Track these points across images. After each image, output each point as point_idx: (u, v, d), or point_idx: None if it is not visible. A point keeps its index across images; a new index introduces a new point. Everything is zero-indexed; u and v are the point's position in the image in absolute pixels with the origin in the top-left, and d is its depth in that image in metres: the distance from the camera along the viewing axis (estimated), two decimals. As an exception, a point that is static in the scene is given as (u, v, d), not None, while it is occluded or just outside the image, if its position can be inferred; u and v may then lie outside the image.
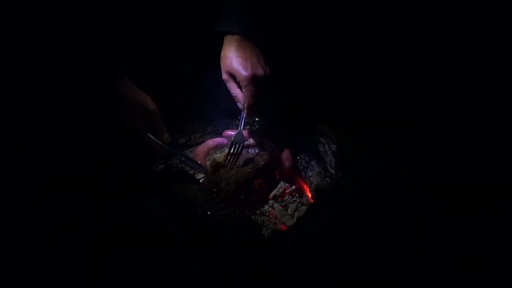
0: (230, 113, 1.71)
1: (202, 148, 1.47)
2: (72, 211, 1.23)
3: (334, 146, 1.50)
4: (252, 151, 1.47)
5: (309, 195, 1.40)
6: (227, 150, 1.36)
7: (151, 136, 1.23)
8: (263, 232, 1.25)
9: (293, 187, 1.45)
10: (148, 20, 1.52)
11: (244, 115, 1.33)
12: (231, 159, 1.34)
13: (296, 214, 1.35)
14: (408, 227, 1.28)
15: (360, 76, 1.75)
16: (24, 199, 1.25)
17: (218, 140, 1.53)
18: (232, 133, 1.57)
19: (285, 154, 1.44)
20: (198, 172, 1.42)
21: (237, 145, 1.34)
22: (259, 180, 1.43)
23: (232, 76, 1.30)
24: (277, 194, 1.43)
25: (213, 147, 1.51)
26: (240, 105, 1.33)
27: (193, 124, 1.70)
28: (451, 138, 1.55)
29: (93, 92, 1.14)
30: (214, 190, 1.30)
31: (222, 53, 1.32)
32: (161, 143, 1.24)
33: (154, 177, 1.37)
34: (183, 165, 1.38)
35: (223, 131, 1.61)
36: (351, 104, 1.74)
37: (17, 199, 1.25)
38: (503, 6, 1.45)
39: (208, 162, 1.41)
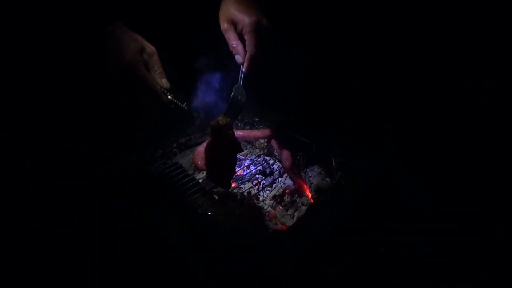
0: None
1: (202, 148, 1.47)
2: (72, 211, 1.23)
3: (334, 146, 1.50)
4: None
5: (309, 195, 1.40)
6: (228, 106, 1.24)
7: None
8: (263, 232, 1.25)
9: (293, 187, 1.45)
10: None
11: (243, 69, 1.22)
12: (231, 114, 1.24)
13: (296, 214, 1.35)
14: (408, 227, 1.28)
15: (360, 76, 1.75)
16: (24, 199, 1.25)
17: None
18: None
19: (285, 154, 1.44)
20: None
21: (238, 98, 1.23)
22: (260, 180, 1.43)
23: (233, 24, 1.21)
24: (277, 194, 1.43)
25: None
26: (239, 58, 1.22)
27: (193, 124, 1.70)
28: (450, 138, 1.55)
29: (87, 32, 1.06)
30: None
31: (223, 3, 1.24)
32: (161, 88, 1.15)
33: (154, 177, 1.37)
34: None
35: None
36: (351, 104, 1.74)
37: (17, 199, 1.25)
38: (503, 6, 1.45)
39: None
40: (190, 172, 1.44)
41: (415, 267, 1.19)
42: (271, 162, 1.53)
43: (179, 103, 1.17)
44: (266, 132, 1.58)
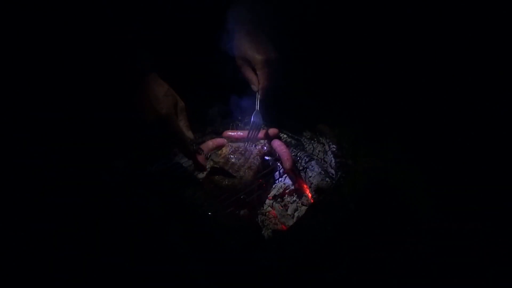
0: (230, 113, 1.71)
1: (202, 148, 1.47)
2: (72, 211, 1.23)
3: (334, 146, 1.50)
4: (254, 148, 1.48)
5: (309, 195, 1.40)
6: (249, 129, 1.50)
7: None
8: (263, 232, 1.25)
9: (293, 187, 1.45)
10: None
11: (259, 96, 1.45)
12: (252, 136, 1.49)
13: (296, 214, 1.36)
14: (408, 227, 1.28)
15: (360, 76, 1.75)
16: (24, 199, 1.25)
17: (218, 140, 1.53)
18: (232, 133, 1.58)
19: (285, 154, 1.44)
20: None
21: (256, 123, 1.48)
22: (259, 180, 1.43)
23: (247, 61, 1.40)
24: (277, 194, 1.43)
25: (213, 147, 1.51)
26: (254, 88, 1.43)
27: (193, 124, 1.70)
28: (451, 137, 1.54)
29: (125, 86, 1.15)
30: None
31: (235, 41, 1.41)
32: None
33: (154, 177, 1.37)
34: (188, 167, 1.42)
35: (223, 131, 1.61)
36: (350, 103, 1.74)
37: (17, 199, 1.25)
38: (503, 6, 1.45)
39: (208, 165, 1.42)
40: (191, 172, 1.44)
41: (416, 268, 1.19)
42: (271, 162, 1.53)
43: (203, 153, 1.33)
44: (266, 132, 1.58)
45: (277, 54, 1.39)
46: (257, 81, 1.41)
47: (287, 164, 1.41)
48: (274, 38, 1.44)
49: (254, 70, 1.40)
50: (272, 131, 1.59)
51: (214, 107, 1.75)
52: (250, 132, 1.49)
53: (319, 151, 1.56)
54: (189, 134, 1.27)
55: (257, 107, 1.47)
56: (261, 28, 1.42)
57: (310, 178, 1.41)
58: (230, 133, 1.58)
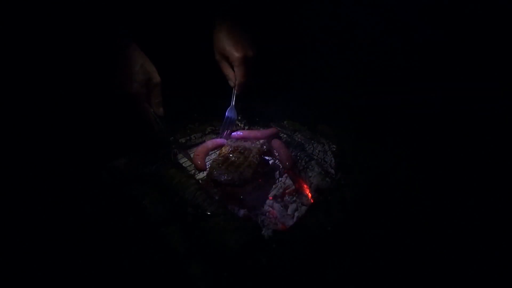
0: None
1: (202, 149, 1.47)
2: (72, 211, 1.23)
3: (334, 146, 1.50)
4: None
5: (309, 195, 1.40)
6: (222, 125, 1.53)
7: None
8: (263, 232, 1.25)
9: (293, 187, 1.45)
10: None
11: (235, 92, 1.47)
12: (226, 132, 1.53)
13: (296, 214, 1.35)
14: (407, 227, 1.28)
15: (361, 75, 1.75)
16: (23, 199, 1.25)
17: (218, 140, 1.53)
18: (232, 133, 1.57)
19: (285, 154, 1.44)
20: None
21: (231, 117, 1.52)
22: (259, 180, 1.43)
23: (225, 57, 1.41)
24: (277, 194, 1.43)
25: (213, 147, 1.51)
26: (231, 83, 1.46)
27: (193, 124, 1.70)
28: (450, 137, 1.55)
29: (97, 57, 1.17)
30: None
31: (214, 36, 1.42)
32: (155, 116, 1.30)
33: (154, 177, 1.37)
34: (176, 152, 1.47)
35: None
36: (351, 103, 1.74)
37: (17, 199, 1.25)
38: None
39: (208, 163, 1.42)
40: (191, 172, 1.44)
41: (415, 267, 1.19)
42: (271, 162, 1.53)
43: (166, 134, 1.35)
44: (266, 132, 1.58)
45: (256, 51, 1.40)
46: (234, 77, 1.43)
47: (287, 164, 1.41)
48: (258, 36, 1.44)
49: (232, 66, 1.42)
50: (272, 131, 1.59)
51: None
52: (224, 127, 1.52)
53: (319, 151, 1.56)
54: (160, 111, 1.30)
55: (233, 102, 1.49)
56: (241, 24, 1.42)
57: (310, 178, 1.41)
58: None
